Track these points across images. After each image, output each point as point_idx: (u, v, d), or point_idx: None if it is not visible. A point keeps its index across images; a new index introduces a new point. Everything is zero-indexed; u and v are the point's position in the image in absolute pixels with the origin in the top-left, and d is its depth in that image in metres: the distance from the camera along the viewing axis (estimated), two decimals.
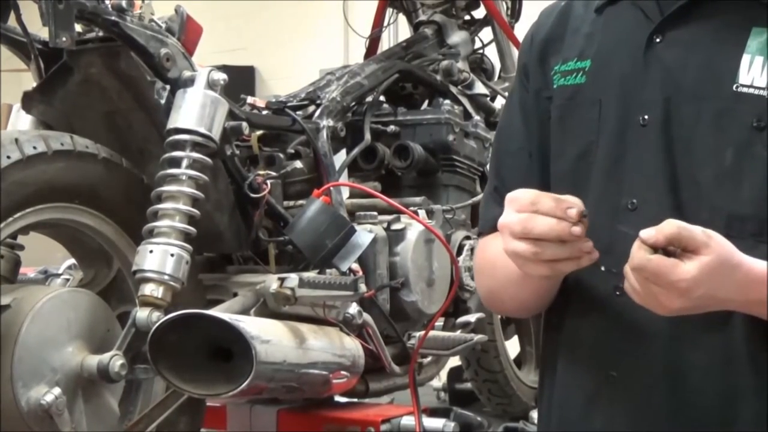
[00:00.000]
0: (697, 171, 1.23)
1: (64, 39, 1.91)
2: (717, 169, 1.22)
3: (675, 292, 1.10)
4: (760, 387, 1.21)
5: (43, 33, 2.00)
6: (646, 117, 1.27)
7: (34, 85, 2.16)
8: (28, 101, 2.17)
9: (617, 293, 1.26)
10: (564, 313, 1.36)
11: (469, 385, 3.21)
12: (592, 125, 1.31)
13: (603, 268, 1.25)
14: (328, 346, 2.13)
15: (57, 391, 1.83)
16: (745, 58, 1.22)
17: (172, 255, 1.92)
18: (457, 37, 3.04)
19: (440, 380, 3.41)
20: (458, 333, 2.55)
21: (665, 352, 1.24)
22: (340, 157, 2.59)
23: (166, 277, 1.91)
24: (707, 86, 1.24)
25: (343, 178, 2.54)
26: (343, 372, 2.19)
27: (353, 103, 2.65)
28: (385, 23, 3.12)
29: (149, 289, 1.91)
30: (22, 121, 2.20)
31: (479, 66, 3.15)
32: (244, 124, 2.18)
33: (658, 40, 1.28)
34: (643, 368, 1.26)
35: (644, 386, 1.26)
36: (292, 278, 2.10)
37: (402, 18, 3.22)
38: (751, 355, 1.21)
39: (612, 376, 1.28)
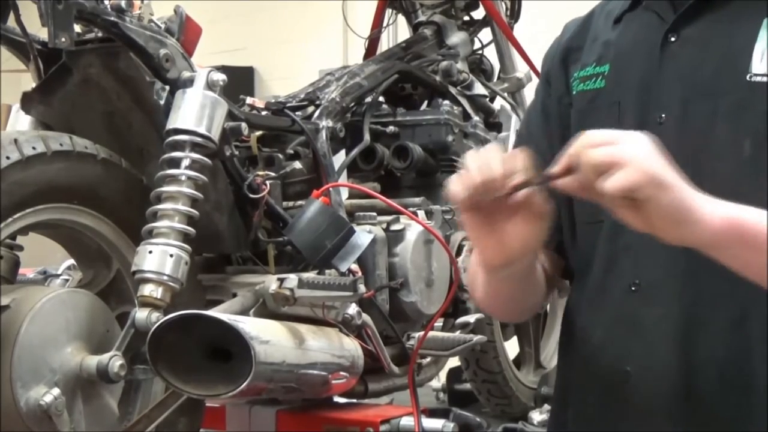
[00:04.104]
0: (716, 164, 1.24)
1: (63, 39, 1.91)
2: (736, 161, 1.22)
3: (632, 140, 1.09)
4: None
5: (42, 33, 2.00)
6: (663, 116, 1.28)
7: (34, 85, 2.16)
8: (28, 102, 2.17)
9: (632, 288, 1.28)
10: (579, 309, 1.38)
11: (468, 385, 3.21)
12: (611, 127, 1.32)
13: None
14: (327, 347, 2.12)
15: (56, 391, 1.83)
16: (758, 48, 1.23)
17: (171, 255, 1.92)
18: (456, 37, 3.04)
19: (439, 381, 3.41)
20: (457, 333, 2.55)
21: (678, 349, 1.25)
22: (340, 158, 2.59)
23: (165, 278, 1.91)
24: (722, 81, 1.25)
25: (343, 178, 2.54)
26: (342, 372, 2.18)
27: (352, 104, 2.64)
28: (385, 24, 3.12)
29: (148, 290, 1.91)
30: (21, 122, 2.20)
31: (478, 67, 3.15)
32: (244, 125, 2.18)
33: (672, 39, 1.30)
34: (656, 365, 1.26)
35: (658, 383, 1.26)
36: (292, 279, 2.10)
37: (401, 19, 3.22)
38: (766, 352, 1.21)
39: (627, 372, 1.29)
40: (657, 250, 1.19)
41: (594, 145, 1.09)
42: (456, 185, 1.15)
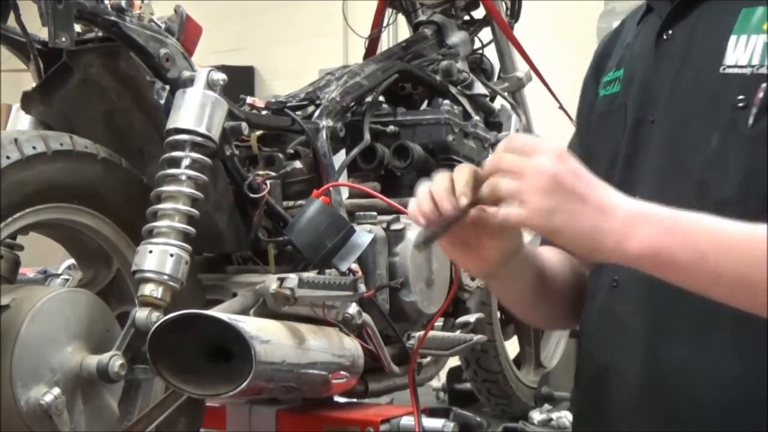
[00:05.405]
0: (689, 158, 1.24)
1: (63, 39, 1.91)
2: (706, 154, 1.22)
3: (547, 155, 1.09)
4: (748, 381, 1.18)
5: (42, 33, 2.00)
6: (654, 114, 1.29)
7: (34, 85, 2.16)
8: (28, 101, 2.17)
9: (613, 285, 1.30)
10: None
11: (468, 385, 3.21)
12: (619, 129, 1.35)
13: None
14: (327, 347, 2.12)
15: (56, 391, 1.83)
16: (732, 39, 1.23)
17: (171, 255, 1.92)
18: (456, 37, 3.04)
19: (440, 380, 3.41)
20: (458, 333, 2.55)
21: (645, 347, 1.25)
22: (340, 158, 2.59)
23: (165, 277, 1.91)
24: (701, 75, 1.26)
25: (343, 178, 2.54)
26: (342, 372, 2.18)
27: (353, 104, 2.64)
28: (385, 23, 3.12)
29: (149, 289, 1.91)
30: (21, 122, 2.20)
31: (479, 66, 3.15)
32: (244, 125, 2.18)
33: (665, 37, 1.32)
34: (630, 360, 1.27)
35: (630, 379, 1.27)
36: (292, 278, 2.10)
37: (401, 18, 3.22)
38: (737, 350, 1.19)
39: (608, 367, 1.30)
40: None
41: (500, 170, 1.10)
42: (412, 213, 1.17)
